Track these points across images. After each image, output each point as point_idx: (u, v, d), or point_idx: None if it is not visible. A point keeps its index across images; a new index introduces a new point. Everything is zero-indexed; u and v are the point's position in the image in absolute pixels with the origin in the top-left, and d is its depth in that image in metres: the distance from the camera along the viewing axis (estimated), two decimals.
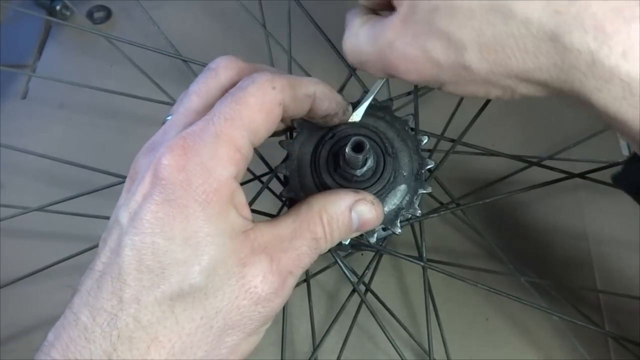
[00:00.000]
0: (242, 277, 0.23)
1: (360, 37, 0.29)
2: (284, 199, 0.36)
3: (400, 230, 0.31)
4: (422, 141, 0.33)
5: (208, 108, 0.25)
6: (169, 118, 0.27)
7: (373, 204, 0.28)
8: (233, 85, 0.26)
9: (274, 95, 0.25)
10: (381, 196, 0.31)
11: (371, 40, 0.28)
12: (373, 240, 0.32)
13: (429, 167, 0.33)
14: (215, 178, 0.23)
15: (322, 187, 0.31)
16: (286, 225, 0.26)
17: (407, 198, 0.32)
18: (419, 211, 0.32)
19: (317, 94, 0.28)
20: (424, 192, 0.32)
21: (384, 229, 0.32)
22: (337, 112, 0.30)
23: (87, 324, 0.22)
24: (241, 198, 0.25)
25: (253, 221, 0.25)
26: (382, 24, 0.27)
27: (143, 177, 0.24)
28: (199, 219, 0.23)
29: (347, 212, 0.27)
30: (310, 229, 0.26)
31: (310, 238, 0.26)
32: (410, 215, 0.32)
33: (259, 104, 0.25)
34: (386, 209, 0.31)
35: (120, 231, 0.23)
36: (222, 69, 0.27)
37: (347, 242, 0.31)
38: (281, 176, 0.36)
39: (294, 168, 0.32)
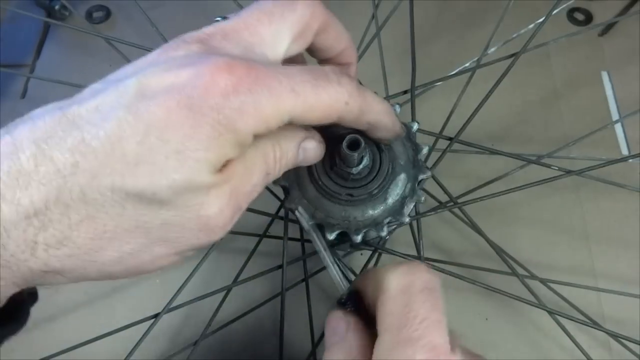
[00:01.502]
0: (202, 204, 0.22)
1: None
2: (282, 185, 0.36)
3: (408, 219, 0.31)
4: (412, 127, 0.33)
5: (275, 40, 0.25)
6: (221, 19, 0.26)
7: (320, 142, 0.28)
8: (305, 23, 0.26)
9: (341, 109, 0.25)
10: (383, 189, 0.31)
11: None
12: (383, 233, 0.32)
13: (423, 152, 0.33)
14: (242, 124, 0.22)
15: (319, 186, 0.31)
16: (250, 155, 0.25)
17: (409, 186, 0.32)
18: (423, 197, 0.32)
19: (378, 125, 0.28)
20: (424, 177, 0.32)
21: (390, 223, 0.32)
22: (391, 140, 0.30)
23: (25, 166, 0.20)
24: (245, 149, 0.24)
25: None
26: None
27: (183, 65, 0.21)
28: (201, 143, 0.21)
29: (296, 149, 0.27)
30: (266, 162, 0.25)
31: (264, 172, 0.25)
32: (415, 202, 0.32)
33: (325, 105, 0.24)
34: (390, 200, 0.31)
35: (119, 96, 0.21)
36: (302, 5, 0.26)
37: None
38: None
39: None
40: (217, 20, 0.26)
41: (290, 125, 0.26)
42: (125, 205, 0.21)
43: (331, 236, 0.31)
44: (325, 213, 0.31)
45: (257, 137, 0.24)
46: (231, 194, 0.23)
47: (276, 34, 0.25)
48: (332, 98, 0.24)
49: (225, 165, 0.23)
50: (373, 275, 0.26)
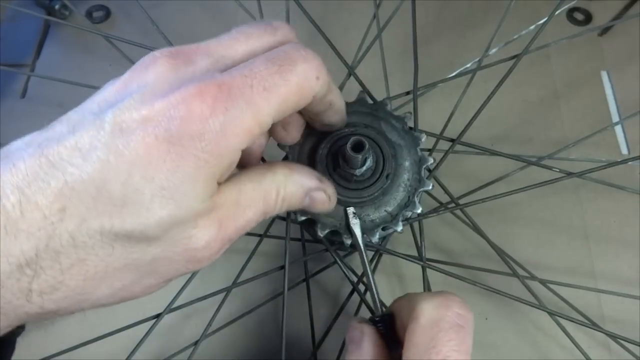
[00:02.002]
0: (190, 238, 0.23)
1: None
2: None
3: (420, 209, 0.32)
4: (421, 139, 0.33)
5: (246, 57, 0.24)
6: None
7: (329, 199, 0.28)
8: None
9: (314, 85, 0.24)
10: (385, 192, 0.31)
11: None
12: (375, 239, 0.32)
13: (429, 163, 0.33)
14: (227, 144, 0.22)
15: None
16: (245, 192, 0.25)
17: (407, 196, 0.32)
18: (419, 209, 0.32)
19: (336, 106, 0.27)
20: (422, 190, 0.32)
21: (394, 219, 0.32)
22: (338, 126, 0.30)
23: (11, 215, 0.19)
24: (234, 165, 0.24)
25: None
26: None
27: (156, 96, 0.21)
28: (186, 176, 0.21)
29: (302, 195, 0.27)
30: (266, 201, 0.25)
31: (262, 211, 0.25)
32: (423, 190, 0.32)
33: (299, 88, 0.23)
34: (390, 206, 0.31)
35: (98, 134, 0.21)
36: (282, 33, 0.26)
37: (348, 243, 0.31)
38: None
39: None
40: None
41: (304, 171, 0.27)
42: (114, 246, 0.21)
43: (323, 233, 0.31)
44: (327, 213, 0.31)
45: (261, 174, 0.25)
46: (220, 226, 0.24)
47: (251, 51, 0.25)
48: (302, 78, 0.23)
49: (215, 193, 0.23)
50: (408, 300, 0.26)
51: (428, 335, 0.24)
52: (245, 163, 0.28)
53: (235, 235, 0.25)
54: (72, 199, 0.20)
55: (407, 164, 0.32)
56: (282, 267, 0.35)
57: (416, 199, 0.32)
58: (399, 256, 0.38)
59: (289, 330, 0.43)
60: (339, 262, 0.36)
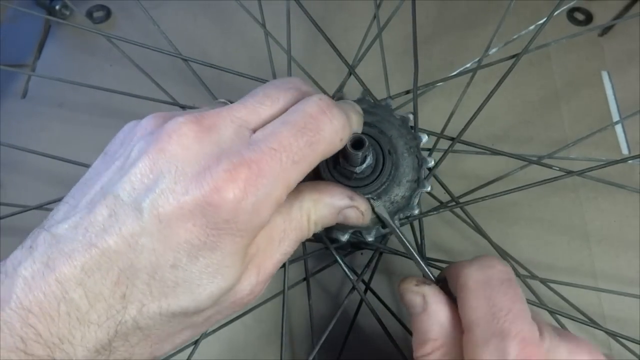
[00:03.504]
0: (235, 294, 0.24)
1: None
2: None
3: (417, 210, 0.32)
4: (422, 139, 0.33)
5: (269, 119, 0.24)
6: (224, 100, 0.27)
7: (363, 215, 0.29)
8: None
9: (338, 147, 0.25)
10: (384, 190, 0.31)
11: None
12: (371, 239, 0.32)
13: (429, 164, 0.33)
14: (260, 219, 0.23)
15: None
16: (277, 226, 0.26)
17: (406, 196, 0.32)
18: (417, 210, 0.32)
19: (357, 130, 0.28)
20: (420, 191, 0.32)
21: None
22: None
23: (81, 307, 0.20)
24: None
25: None
26: None
27: (188, 182, 0.21)
28: (226, 251, 0.22)
29: (335, 215, 0.28)
30: (298, 229, 0.26)
31: (295, 239, 0.26)
32: (422, 191, 0.32)
33: (325, 153, 0.24)
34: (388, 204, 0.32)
35: (139, 223, 0.21)
36: (306, 89, 0.26)
37: (344, 238, 0.31)
38: None
39: None
40: (221, 102, 0.26)
41: (334, 191, 0.28)
42: (173, 320, 0.23)
43: (344, 237, 0.31)
44: None
45: (289, 204, 0.26)
46: (259, 270, 0.25)
47: (274, 115, 0.25)
48: (329, 144, 0.24)
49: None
50: (452, 270, 0.26)
51: (483, 296, 0.24)
52: None
53: (274, 269, 0.26)
54: (128, 286, 0.21)
55: (407, 163, 0.32)
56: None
57: (415, 200, 0.32)
58: (400, 255, 0.38)
59: (290, 330, 0.43)
60: (340, 261, 0.36)
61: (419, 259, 0.29)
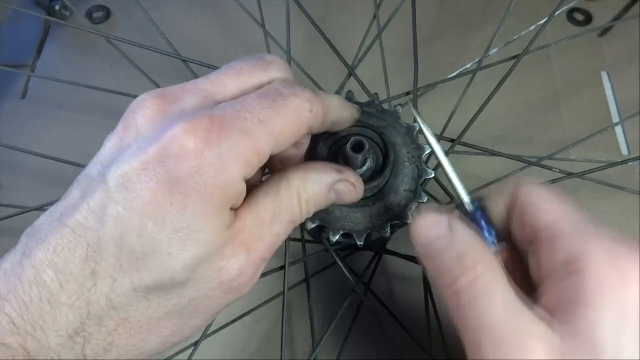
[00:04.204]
0: (220, 270, 0.23)
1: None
2: None
3: (426, 199, 0.32)
4: (425, 151, 0.33)
5: (238, 94, 0.24)
6: None
7: (355, 186, 0.27)
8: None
9: (308, 118, 0.24)
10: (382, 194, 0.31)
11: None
12: (360, 243, 0.32)
13: (429, 176, 0.33)
14: (228, 175, 0.22)
15: None
16: (265, 208, 0.25)
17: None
18: (425, 199, 0.32)
19: (339, 121, 0.27)
20: (416, 202, 0.32)
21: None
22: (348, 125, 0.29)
23: (52, 289, 0.20)
24: (243, 194, 0.24)
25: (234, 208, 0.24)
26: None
27: (149, 142, 0.21)
28: (196, 213, 0.21)
29: (326, 192, 0.27)
30: (289, 209, 0.25)
31: (288, 220, 0.25)
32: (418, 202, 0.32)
33: (295, 120, 0.24)
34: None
35: (106, 194, 0.21)
36: (275, 68, 0.25)
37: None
38: None
39: None
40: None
41: (320, 167, 0.27)
42: (150, 297, 0.22)
43: (335, 237, 0.31)
44: (326, 214, 0.31)
45: (276, 185, 0.25)
46: (249, 249, 0.23)
47: (241, 88, 0.25)
48: (296, 112, 0.24)
49: (233, 220, 0.23)
50: (502, 191, 0.25)
51: (557, 200, 0.23)
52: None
53: (268, 253, 0.25)
54: (97, 261, 0.21)
55: (407, 172, 0.32)
56: (282, 268, 0.35)
57: (410, 211, 0.32)
58: (399, 256, 0.38)
59: (289, 330, 0.43)
60: (340, 262, 0.36)
61: (454, 177, 0.26)
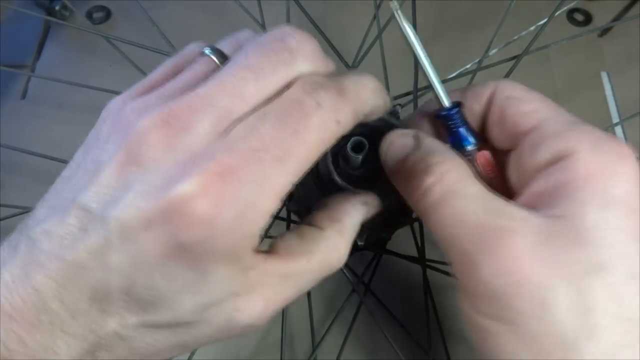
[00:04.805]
0: (231, 320, 0.21)
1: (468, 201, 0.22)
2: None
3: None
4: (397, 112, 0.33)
5: (259, 103, 0.20)
6: (209, 53, 0.22)
7: (376, 207, 0.27)
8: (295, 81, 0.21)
9: (335, 131, 0.21)
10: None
11: (480, 219, 0.21)
12: (361, 243, 0.32)
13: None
14: (244, 233, 0.19)
15: (323, 188, 0.31)
16: (298, 267, 0.23)
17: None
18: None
19: (370, 114, 0.23)
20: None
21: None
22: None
23: (64, 318, 0.19)
24: (260, 237, 0.21)
25: (259, 251, 0.22)
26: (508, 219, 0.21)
27: (154, 192, 0.19)
28: (207, 269, 0.20)
29: (358, 226, 0.26)
30: (325, 266, 0.24)
31: (316, 279, 0.24)
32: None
33: (319, 143, 0.20)
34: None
35: (107, 238, 0.19)
36: (302, 59, 0.21)
37: None
38: None
39: None
40: (205, 54, 0.22)
41: (351, 209, 0.25)
42: (158, 332, 0.21)
43: None
44: None
45: (312, 242, 0.23)
46: (267, 303, 0.22)
47: (262, 94, 0.20)
48: (320, 132, 0.20)
49: (251, 267, 0.21)
50: (476, 90, 0.25)
51: (538, 99, 0.23)
52: None
53: (284, 305, 0.23)
54: (106, 302, 0.20)
55: None
56: None
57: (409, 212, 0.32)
58: (399, 256, 0.38)
59: (289, 330, 0.43)
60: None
61: (431, 72, 0.25)
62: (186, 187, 0.18)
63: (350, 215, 0.25)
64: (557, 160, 0.21)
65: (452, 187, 0.22)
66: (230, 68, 0.21)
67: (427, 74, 0.25)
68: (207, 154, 0.19)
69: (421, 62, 0.26)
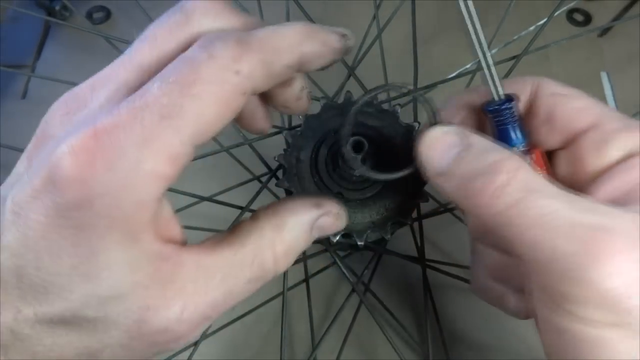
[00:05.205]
0: (142, 321, 0.19)
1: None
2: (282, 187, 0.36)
3: (427, 200, 0.32)
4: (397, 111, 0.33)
5: (159, 68, 0.19)
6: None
7: (338, 217, 0.24)
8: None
9: (237, 82, 0.19)
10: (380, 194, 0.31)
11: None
12: (361, 242, 0.32)
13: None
14: (130, 201, 0.18)
15: (323, 187, 0.31)
16: (223, 259, 0.21)
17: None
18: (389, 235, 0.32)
19: (303, 59, 0.20)
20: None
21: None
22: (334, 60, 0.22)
23: None
24: (166, 214, 0.20)
25: (182, 242, 0.20)
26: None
27: (40, 166, 0.18)
28: (93, 247, 0.18)
29: (307, 234, 0.23)
30: (257, 265, 0.21)
31: (249, 278, 0.21)
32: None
33: (215, 97, 0.18)
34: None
35: (4, 219, 0.18)
36: (198, 16, 0.20)
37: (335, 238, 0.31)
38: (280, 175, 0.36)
39: (294, 164, 0.32)
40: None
41: (297, 206, 0.23)
42: (56, 332, 0.19)
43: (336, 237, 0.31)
44: None
45: (245, 234, 0.21)
46: (184, 304, 0.20)
47: (159, 59, 0.20)
48: (214, 85, 0.18)
49: (167, 258, 0.19)
50: (527, 83, 0.23)
51: (587, 97, 0.22)
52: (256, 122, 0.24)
53: (212, 312, 0.20)
54: (1, 292, 0.18)
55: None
56: None
57: (409, 212, 0.32)
58: (399, 256, 0.38)
59: (289, 330, 0.43)
60: (339, 262, 0.36)
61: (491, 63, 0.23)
62: (60, 149, 0.18)
63: (295, 214, 0.23)
64: (628, 157, 0.21)
65: (532, 185, 0.19)
66: (130, 46, 0.20)
67: (482, 59, 0.24)
68: (89, 120, 0.18)
69: (476, 45, 0.24)
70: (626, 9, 0.55)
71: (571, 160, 0.23)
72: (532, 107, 0.24)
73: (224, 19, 0.20)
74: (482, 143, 0.21)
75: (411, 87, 0.23)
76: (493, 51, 0.43)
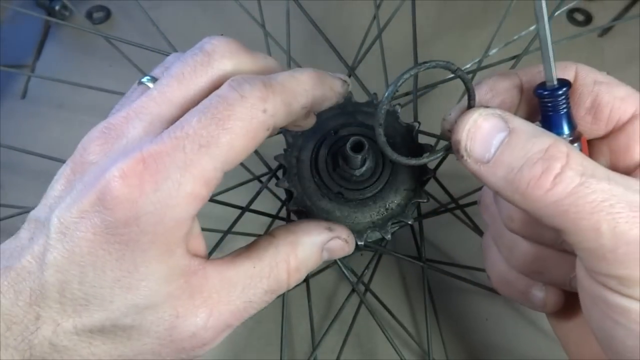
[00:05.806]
0: (172, 329, 0.21)
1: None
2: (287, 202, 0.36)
3: (427, 199, 0.32)
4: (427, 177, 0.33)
5: (188, 103, 0.22)
6: (146, 81, 0.24)
7: (347, 241, 0.27)
8: (223, 80, 0.22)
9: (263, 120, 0.21)
10: (380, 194, 0.31)
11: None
12: (361, 243, 0.32)
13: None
14: (171, 218, 0.20)
15: (323, 187, 0.31)
16: (244, 271, 0.23)
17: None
18: (388, 234, 0.32)
19: (315, 101, 0.24)
20: (415, 200, 0.32)
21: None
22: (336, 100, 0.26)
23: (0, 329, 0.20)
24: (195, 231, 0.22)
25: (205, 257, 0.23)
26: None
27: (88, 187, 0.20)
28: (136, 261, 0.20)
29: (318, 254, 0.25)
30: (272, 277, 0.24)
31: (266, 289, 0.23)
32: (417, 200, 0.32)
33: (244, 132, 0.21)
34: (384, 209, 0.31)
35: (46, 239, 0.21)
36: (219, 57, 0.23)
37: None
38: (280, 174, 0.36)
39: (294, 164, 0.32)
40: (142, 83, 0.24)
41: (311, 227, 0.25)
42: (93, 343, 0.21)
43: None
44: (327, 215, 0.31)
45: (262, 249, 0.23)
46: (211, 312, 0.22)
47: (188, 98, 0.22)
48: (245, 121, 0.21)
49: (194, 271, 0.22)
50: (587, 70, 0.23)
51: None
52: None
53: (234, 320, 0.23)
54: (41, 306, 0.20)
55: (406, 171, 0.32)
56: None
57: (410, 210, 0.32)
58: (399, 256, 0.38)
59: (289, 330, 0.43)
60: (339, 262, 0.36)
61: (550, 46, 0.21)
62: (111, 173, 0.20)
63: (309, 234, 0.25)
64: None
65: (589, 171, 0.18)
66: (158, 82, 0.23)
67: (542, 37, 0.22)
68: (135, 147, 0.21)
69: (540, 24, 0.23)
70: (626, 9, 0.55)
71: (614, 149, 0.22)
72: (575, 94, 0.23)
73: (240, 59, 0.23)
74: (527, 127, 0.20)
75: (455, 66, 0.21)
76: (493, 51, 0.43)
